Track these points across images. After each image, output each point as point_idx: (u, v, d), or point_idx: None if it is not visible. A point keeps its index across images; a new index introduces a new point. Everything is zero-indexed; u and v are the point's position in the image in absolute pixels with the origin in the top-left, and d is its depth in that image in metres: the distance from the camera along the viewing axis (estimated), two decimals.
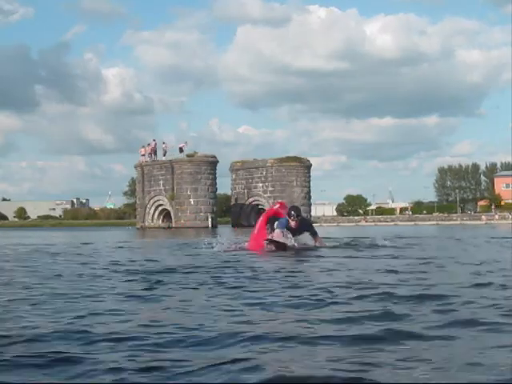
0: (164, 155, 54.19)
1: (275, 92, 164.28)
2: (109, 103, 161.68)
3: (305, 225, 10.13)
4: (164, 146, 54.57)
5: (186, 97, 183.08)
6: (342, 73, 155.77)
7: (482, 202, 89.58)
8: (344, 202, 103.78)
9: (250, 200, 56.90)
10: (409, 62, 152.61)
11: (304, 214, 63.04)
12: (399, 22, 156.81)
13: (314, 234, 10.04)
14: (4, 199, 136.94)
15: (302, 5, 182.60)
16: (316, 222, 56.66)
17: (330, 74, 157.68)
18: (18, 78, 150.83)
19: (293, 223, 9.76)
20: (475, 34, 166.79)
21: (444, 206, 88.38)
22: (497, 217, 64.30)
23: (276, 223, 9.79)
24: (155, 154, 54.67)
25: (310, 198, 57.15)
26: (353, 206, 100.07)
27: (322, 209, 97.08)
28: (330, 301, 3.69)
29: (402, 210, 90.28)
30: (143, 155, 55.41)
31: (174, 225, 52.04)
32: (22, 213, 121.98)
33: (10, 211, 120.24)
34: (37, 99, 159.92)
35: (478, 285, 4.43)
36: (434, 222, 61.11)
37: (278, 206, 11.00)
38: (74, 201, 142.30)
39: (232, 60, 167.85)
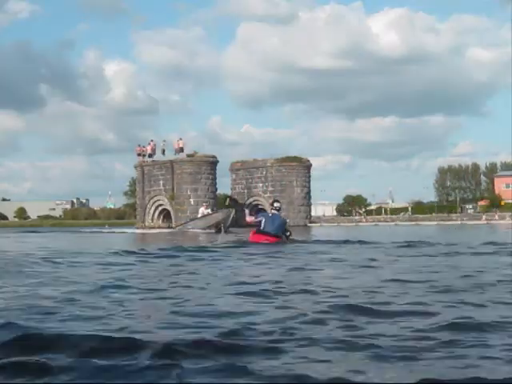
0: (163, 153, 53.96)
1: (278, 91, 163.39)
2: (111, 102, 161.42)
3: None
4: (163, 144, 54.38)
5: (188, 95, 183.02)
6: (346, 71, 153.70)
7: (482, 202, 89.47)
8: (344, 202, 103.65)
9: (250, 200, 56.78)
10: (415, 61, 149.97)
11: (304, 214, 62.16)
12: (406, 19, 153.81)
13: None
14: (4, 199, 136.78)
15: (305, 1, 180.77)
16: (316, 222, 56.56)
17: (334, 73, 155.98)
18: (20, 76, 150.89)
19: None
20: (483, 32, 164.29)
21: (444, 206, 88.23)
22: (497, 217, 64.22)
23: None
24: (154, 153, 54.41)
25: (309, 197, 57.02)
26: (352, 205, 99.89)
27: (322, 209, 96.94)
28: None
29: (403, 209, 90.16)
30: (139, 155, 55.18)
31: (174, 225, 51.95)
32: (21, 213, 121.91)
33: (10, 211, 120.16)
34: (39, 98, 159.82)
35: None
36: (435, 222, 60.97)
37: None
38: (74, 201, 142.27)
39: (235, 58, 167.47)
